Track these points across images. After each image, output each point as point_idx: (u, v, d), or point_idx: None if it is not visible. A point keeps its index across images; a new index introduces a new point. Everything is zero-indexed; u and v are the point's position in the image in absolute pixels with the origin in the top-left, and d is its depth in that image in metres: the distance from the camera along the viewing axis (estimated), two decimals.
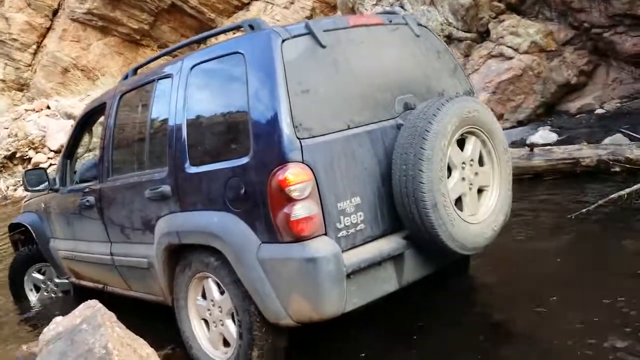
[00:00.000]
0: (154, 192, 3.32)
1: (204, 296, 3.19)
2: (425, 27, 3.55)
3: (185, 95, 3.23)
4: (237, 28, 3.27)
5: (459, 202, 2.98)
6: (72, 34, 18.12)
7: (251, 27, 3.04)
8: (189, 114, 3.19)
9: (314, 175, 2.68)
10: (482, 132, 3.08)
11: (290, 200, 2.62)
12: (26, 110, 16.10)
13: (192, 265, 3.16)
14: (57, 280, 5.05)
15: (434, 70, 3.37)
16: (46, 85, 18.76)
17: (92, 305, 2.93)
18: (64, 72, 18.57)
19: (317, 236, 2.67)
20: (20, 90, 19.28)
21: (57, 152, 13.59)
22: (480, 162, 3.12)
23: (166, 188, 3.24)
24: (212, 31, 3.73)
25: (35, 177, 4.51)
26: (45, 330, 2.90)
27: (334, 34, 3.00)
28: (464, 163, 2.99)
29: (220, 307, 3.08)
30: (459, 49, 8.65)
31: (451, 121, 2.88)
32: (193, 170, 3.10)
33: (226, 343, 3.13)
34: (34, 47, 18.68)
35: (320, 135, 2.76)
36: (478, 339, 3.18)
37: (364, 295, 2.79)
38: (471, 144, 3.05)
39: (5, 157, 14.24)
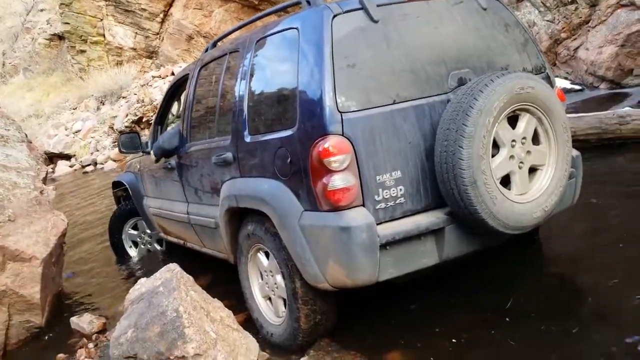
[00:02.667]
0: (219, 158, 3.60)
1: (261, 267, 3.41)
2: None
3: (248, 69, 3.44)
4: (297, 4, 3.38)
5: (508, 180, 2.93)
6: (196, 2, 18.65)
7: (308, 2, 3.16)
8: (250, 86, 3.40)
9: (354, 148, 2.77)
10: (537, 109, 2.97)
11: (329, 171, 2.74)
12: (153, 77, 17.25)
13: (250, 229, 3.37)
14: (148, 231, 5.60)
15: (499, 44, 3.27)
16: (173, 53, 19.79)
17: (172, 269, 3.09)
18: (189, 40, 19.39)
19: (354, 207, 2.77)
20: (150, 57, 20.54)
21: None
22: (537, 141, 3.02)
23: (229, 155, 3.50)
24: (274, 8, 3.88)
25: (128, 141, 4.96)
26: (131, 290, 3.12)
27: (388, 9, 3.04)
28: (514, 141, 2.92)
29: (272, 273, 3.30)
30: None
31: (499, 98, 2.81)
32: (250, 139, 3.32)
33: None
34: (161, 16, 19.61)
35: (363, 110, 2.83)
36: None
37: (400, 267, 2.86)
38: (524, 121, 2.96)
39: (133, 122, 15.53)
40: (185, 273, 3.08)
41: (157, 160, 4.60)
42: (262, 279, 3.43)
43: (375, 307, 3.53)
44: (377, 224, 2.78)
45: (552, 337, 2.88)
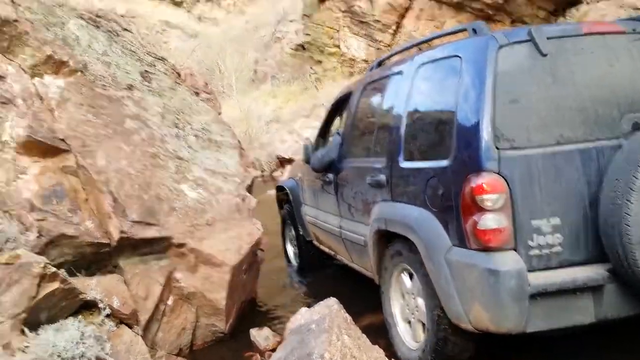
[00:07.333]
0: (373, 179, 3.70)
1: (404, 290, 3.46)
2: None
3: (409, 93, 3.49)
4: (462, 30, 3.35)
5: None
6: (428, 13, 18.03)
7: (474, 30, 3.13)
8: (409, 110, 3.45)
9: (509, 187, 2.70)
10: None
11: (481, 210, 2.70)
12: None
13: (395, 253, 3.45)
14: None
15: None
16: None
17: (330, 305, 2.90)
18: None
19: (505, 249, 2.70)
20: None
21: None
22: None
23: (382, 177, 3.59)
24: (438, 33, 3.93)
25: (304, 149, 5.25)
26: (292, 318, 3.08)
27: (559, 42, 2.92)
28: None
29: (414, 299, 3.32)
30: None
31: None
32: (405, 164, 3.38)
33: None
34: (394, 27, 19.17)
35: (523, 148, 2.75)
36: None
37: (550, 321, 2.72)
38: None
39: None
40: (343, 312, 2.89)
41: (314, 171, 4.86)
42: (403, 300, 3.48)
43: None
44: (529, 272, 2.68)
45: None
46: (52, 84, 4.18)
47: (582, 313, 2.74)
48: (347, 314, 2.90)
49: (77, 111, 4.13)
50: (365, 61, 19.87)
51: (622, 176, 2.62)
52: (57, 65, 4.21)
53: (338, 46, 21.30)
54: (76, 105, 4.16)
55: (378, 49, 19.71)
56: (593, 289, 2.72)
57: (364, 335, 2.88)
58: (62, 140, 3.88)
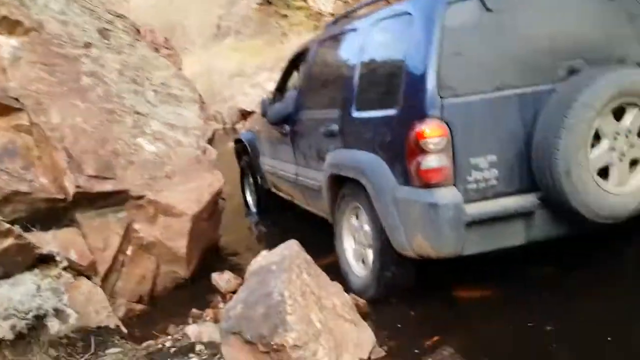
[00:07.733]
0: (327, 129, 3.87)
1: (355, 222, 3.67)
2: None
3: (362, 48, 3.66)
4: None
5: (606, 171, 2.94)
6: None
7: None
8: (361, 65, 3.62)
9: (451, 131, 2.91)
10: None
11: (423, 152, 2.91)
12: None
13: (347, 195, 3.66)
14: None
15: (619, 35, 3.22)
16: None
17: (290, 247, 2.93)
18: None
19: (445, 185, 2.93)
20: None
21: None
22: None
23: (335, 127, 3.77)
24: None
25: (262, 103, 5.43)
26: (252, 261, 3.10)
27: None
28: (617, 133, 2.90)
29: (363, 232, 3.55)
30: None
31: (607, 92, 2.81)
32: (357, 114, 3.56)
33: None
34: None
35: (464, 95, 2.96)
36: None
37: (485, 244, 3.01)
38: (631, 115, 2.92)
39: None
40: (303, 253, 2.92)
41: (271, 124, 4.98)
42: (354, 239, 3.69)
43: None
44: (467, 203, 2.92)
45: None
46: (6, 43, 4.13)
47: (514, 236, 3.04)
48: (307, 255, 2.97)
49: (30, 70, 4.10)
50: (332, 15, 19.61)
51: (554, 116, 2.86)
52: (11, 25, 4.16)
53: (305, 0, 21.13)
54: (30, 63, 4.13)
55: (345, 2, 19.58)
56: (524, 215, 3.01)
57: (323, 273, 3.00)
58: (15, 99, 3.86)
